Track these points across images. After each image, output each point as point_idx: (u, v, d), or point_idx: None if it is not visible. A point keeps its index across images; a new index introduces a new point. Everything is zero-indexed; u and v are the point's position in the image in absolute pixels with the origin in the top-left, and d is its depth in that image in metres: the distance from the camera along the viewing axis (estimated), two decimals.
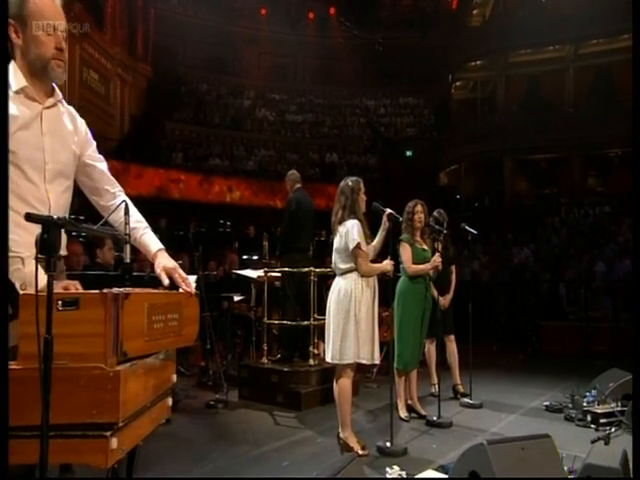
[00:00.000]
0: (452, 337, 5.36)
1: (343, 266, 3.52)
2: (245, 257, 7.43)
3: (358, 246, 3.42)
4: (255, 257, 7.28)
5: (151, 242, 1.86)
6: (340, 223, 3.53)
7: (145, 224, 1.89)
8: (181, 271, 1.77)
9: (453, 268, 5.32)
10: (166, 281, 1.71)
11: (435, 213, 5.07)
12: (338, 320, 3.46)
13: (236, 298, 5.87)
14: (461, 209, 16.26)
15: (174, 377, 1.80)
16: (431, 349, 5.24)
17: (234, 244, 10.47)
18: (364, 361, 3.49)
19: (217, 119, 19.06)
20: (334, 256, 3.60)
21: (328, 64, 23.32)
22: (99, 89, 16.12)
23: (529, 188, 19.03)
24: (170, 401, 1.78)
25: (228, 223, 12.44)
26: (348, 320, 3.43)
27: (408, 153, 19.89)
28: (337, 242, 3.55)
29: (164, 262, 1.78)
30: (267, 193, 16.28)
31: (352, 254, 3.45)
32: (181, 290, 1.77)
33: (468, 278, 10.86)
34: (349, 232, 3.44)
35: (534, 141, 16.93)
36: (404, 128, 20.96)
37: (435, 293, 4.81)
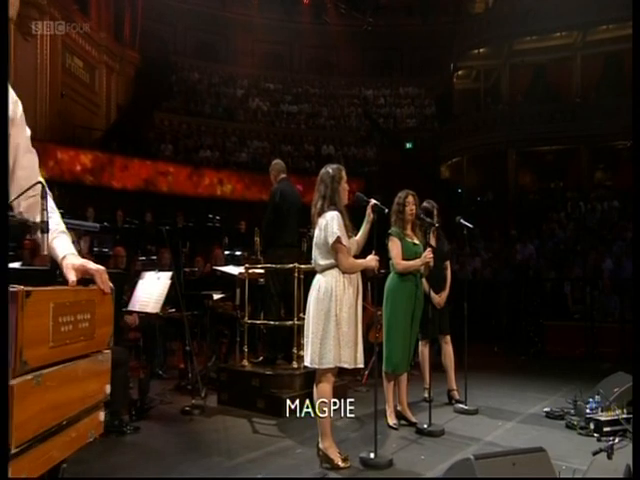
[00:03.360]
0: (448, 338, 5.18)
1: (323, 262, 3.34)
2: (227, 252, 7.24)
3: (338, 240, 3.23)
4: (238, 252, 7.10)
5: (60, 247, 1.63)
6: (320, 215, 3.35)
7: (61, 228, 1.67)
8: (92, 264, 1.58)
9: (447, 264, 5.13)
10: (72, 278, 1.52)
11: (425, 203, 4.87)
12: (317, 321, 3.28)
13: (215, 296, 5.69)
14: (463, 204, 16.10)
15: (107, 388, 1.61)
16: (425, 352, 5.06)
17: (223, 239, 10.29)
18: (346, 365, 3.32)
19: (208, 109, 18.84)
20: (314, 251, 3.41)
21: (325, 52, 23.13)
22: (84, 77, 15.91)
23: (534, 182, 18.88)
24: (102, 415, 1.60)
25: (217, 217, 12.24)
26: (328, 321, 3.26)
27: (408, 145, 19.74)
28: (316, 236, 3.37)
29: (72, 261, 1.58)
30: (260, 186, 16.03)
31: (332, 249, 3.27)
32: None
33: (469, 276, 10.68)
34: (328, 225, 3.26)
35: (539, 132, 16.78)
36: (404, 119, 20.77)
37: (427, 288, 4.61)
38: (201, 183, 15.62)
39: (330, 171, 3.41)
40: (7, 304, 1.13)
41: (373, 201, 3.46)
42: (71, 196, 11.29)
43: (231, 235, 10.79)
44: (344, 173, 3.43)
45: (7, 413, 1.10)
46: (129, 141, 15.45)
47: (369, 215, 3.47)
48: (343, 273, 3.30)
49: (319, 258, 3.36)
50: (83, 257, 1.68)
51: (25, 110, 1.67)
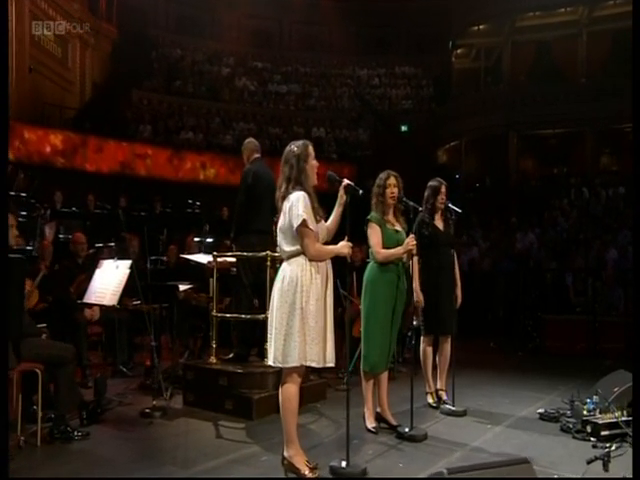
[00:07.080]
0: (449, 336, 4.92)
1: (288, 249, 3.12)
2: (201, 240, 7.02)
3: (304, 223, 3.01)
4: (209, 240, 6.88)
5: None
6: (284, 199, 3.13)
7: None
8: None
9: (453, 252, 4.89)
10: None
11: (432, 182, 4.70)
12: (281, 314, 3.07)
13: (182, 287, 5.46)
14: (461, 190, 15.93)
15: None
16: (428, 350, 4.80)
17: (204, 226, 10.06)
18: (313, 364, 3.11)
19: (191, 88, 18.56)
20: (279, 237, 3.20)
21: (317, 29, 22.81)
22: (55, 51, 15.54)
23: (536, 167, 18.79)
24: None
25: (197, 203, 12.00)
26: (293, 314, 3.04)
27: (403, 128, 19.55)
28: (281, 220, 3.15)
29: None
30: None
31: (297, 233, 3.05)
32: None
33: (465, 267, 10.50)
34: (293, 206, 3.03)
35: (542, 115, 16.66)
36: (399, 100, 20.54)
37: (416, 283, 4.39)
38: (182, 167, 15.42)
39: (295, 149, 3.19)
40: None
41: (346, 181, 3.24)
42: (39, 179, 11.03)
43: (212, 222, 10.58)
44: (311, 149, 3.21)
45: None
46: (104, 121, 15.17)
47: (341, 197, 3.25)
48: (310, 261, 3.09)
49: (284, 244, 3.15)
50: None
51: None
